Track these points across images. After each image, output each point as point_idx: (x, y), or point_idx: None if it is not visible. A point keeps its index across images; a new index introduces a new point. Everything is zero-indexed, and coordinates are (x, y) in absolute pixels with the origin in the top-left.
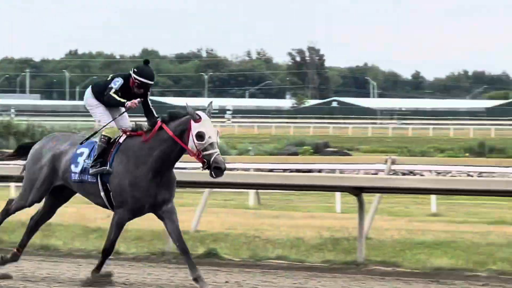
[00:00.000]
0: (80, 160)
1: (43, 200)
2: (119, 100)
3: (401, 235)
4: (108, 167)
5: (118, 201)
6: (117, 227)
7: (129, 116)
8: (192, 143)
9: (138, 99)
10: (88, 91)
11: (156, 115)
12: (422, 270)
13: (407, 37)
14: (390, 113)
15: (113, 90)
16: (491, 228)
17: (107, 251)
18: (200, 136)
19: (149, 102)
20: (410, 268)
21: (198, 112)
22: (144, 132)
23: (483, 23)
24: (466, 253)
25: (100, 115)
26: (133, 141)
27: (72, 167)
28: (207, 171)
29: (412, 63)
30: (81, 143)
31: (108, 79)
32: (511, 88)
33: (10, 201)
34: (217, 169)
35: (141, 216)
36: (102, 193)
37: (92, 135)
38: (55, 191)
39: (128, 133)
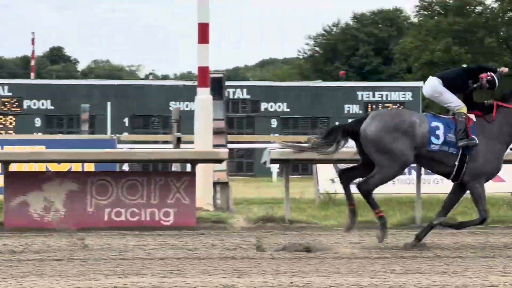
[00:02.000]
0: (439, 133)
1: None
2: (486, 66)
3: None
4: (476, 141)
5: (477, 172)
6: (483, 195)
7: None
8: None
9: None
10: (435, 80)
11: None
12: None
13: None
14: None
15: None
16: None
17: (483, 221)
18: None
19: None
20: None
21: None
22: (481, 112)
23: None
24: None
25: (450, 98)
26: (480, 119)
27: (433, 138)
28: None
29: None
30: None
31: (458, 69)
32: None
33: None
34: None
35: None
36: (456, 163)
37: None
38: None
39: (474, 113)
